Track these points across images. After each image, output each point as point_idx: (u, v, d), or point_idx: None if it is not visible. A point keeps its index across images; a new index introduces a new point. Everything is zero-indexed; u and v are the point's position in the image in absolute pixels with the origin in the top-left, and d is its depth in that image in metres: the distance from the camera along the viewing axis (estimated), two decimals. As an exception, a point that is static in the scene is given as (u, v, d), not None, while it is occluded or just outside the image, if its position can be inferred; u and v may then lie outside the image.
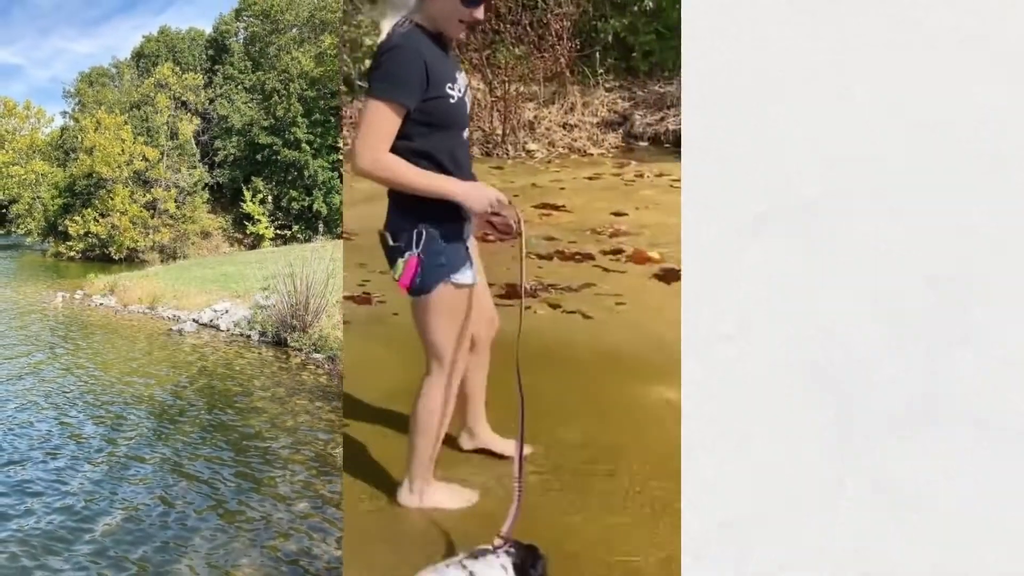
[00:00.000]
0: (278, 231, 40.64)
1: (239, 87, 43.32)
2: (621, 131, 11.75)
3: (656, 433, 3.77)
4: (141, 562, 5.68)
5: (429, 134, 2.70)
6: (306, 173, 40.12)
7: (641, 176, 9.81)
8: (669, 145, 10.80)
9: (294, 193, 40.62)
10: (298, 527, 6.22)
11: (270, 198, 40.68)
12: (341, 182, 39.34)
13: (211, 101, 42.80)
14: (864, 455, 2.31)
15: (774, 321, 2.77)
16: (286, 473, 7.46)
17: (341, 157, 38.14)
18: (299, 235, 39.64)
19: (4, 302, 20.08)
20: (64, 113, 59.00)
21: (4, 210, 52.23)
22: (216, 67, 45.06)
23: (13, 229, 45.12)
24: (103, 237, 35.54)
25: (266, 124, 41.14)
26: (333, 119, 40.94)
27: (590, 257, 6.79)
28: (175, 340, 14.43)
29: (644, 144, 11.40)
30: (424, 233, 2.76)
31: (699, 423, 2.52)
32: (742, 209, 3.27)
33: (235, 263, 24.61)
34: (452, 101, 2.71)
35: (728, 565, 2.13)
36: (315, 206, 40.19)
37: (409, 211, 2.79)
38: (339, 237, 34.81)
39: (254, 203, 40.05)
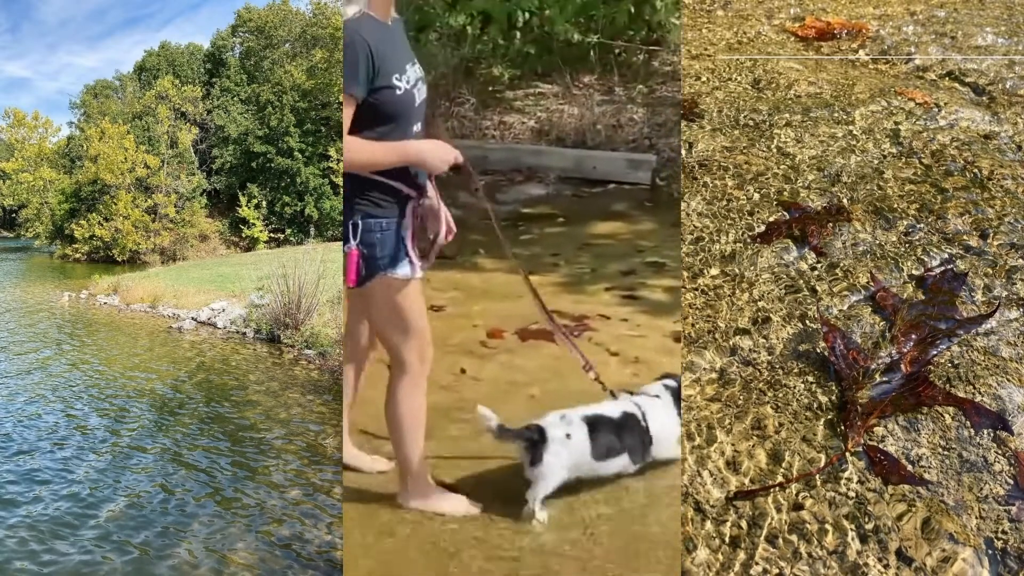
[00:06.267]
0: (272, 234, 40.45)
1: (235, 99, 43.05)
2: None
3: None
4: (143, 546, 5.65)
5: (378, 126, 2.51)
6: (298, 180, 39.91)
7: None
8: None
9: (287, 198, 40.42)
10: (291, 513, 6.20)
11: (264, 203, 40.47)
12: (331, 188, 39.24)
13: (209, 112, 42.52)
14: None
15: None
16: (279, 462, 7.43)
17: (331, 165, 38.03)
18: (292, 238, 39.47)
19: (14, 301, 19.85)
20: (70, 123, 58.77)
21: (14, 215, 51.85)
22: (213, 80, 44.77)
23: (22, 233, 44.81)
24: (107, 240, 35.27)
25: (260, 134, 40.92)
26: (324, 129, 40.81)
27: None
28: (175, 337, 14.31)
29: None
30: (360, 225, 2.56)
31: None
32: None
33: (231, 264, 24.48)
34: (398, 93, 2.50)
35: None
36: (307, 211, 40.00)
37: (348, 203, 2.58)
38: (330, 240, 34.72)
39: (249, 208, 39.82)
